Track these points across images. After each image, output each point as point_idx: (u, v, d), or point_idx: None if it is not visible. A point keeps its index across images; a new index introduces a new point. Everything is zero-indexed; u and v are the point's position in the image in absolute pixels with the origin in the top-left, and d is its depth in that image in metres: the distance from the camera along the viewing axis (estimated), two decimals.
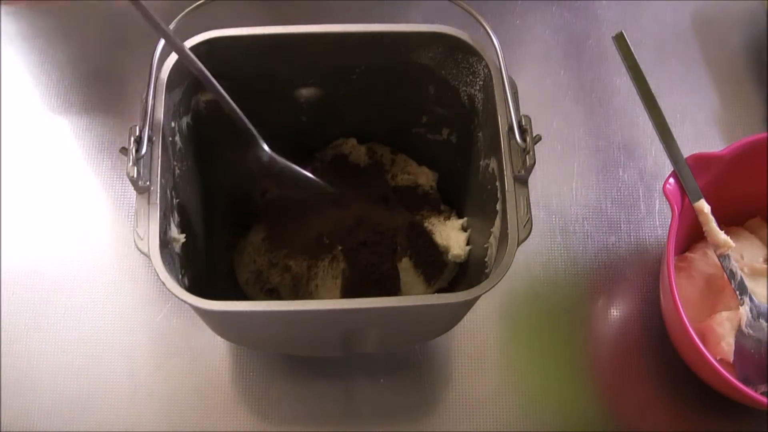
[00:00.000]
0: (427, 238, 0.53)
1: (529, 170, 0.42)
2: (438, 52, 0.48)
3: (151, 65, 0.42)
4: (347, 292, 0.50)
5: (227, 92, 0.50)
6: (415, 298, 0.41)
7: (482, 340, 0.55)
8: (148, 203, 0.41)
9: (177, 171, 0.45)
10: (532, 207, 0.42)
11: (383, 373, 0.54)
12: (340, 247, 0.51)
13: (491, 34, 0.43)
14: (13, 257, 0.56)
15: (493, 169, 0.46)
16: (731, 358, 0.51)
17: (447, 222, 0.54)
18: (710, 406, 0.54)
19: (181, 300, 0.39)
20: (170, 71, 0.44)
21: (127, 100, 0.63)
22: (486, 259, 0.47)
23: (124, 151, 0.40)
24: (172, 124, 0.45)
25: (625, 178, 0.61)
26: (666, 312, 0.53)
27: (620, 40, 0.51)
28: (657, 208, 0.60)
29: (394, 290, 0.51)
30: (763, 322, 0.51)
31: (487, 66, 0.45)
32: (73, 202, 0.59)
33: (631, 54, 0.51)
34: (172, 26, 0.43)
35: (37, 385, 0.53)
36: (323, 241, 0.52)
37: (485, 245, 0.47)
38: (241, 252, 0.54)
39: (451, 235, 0.53)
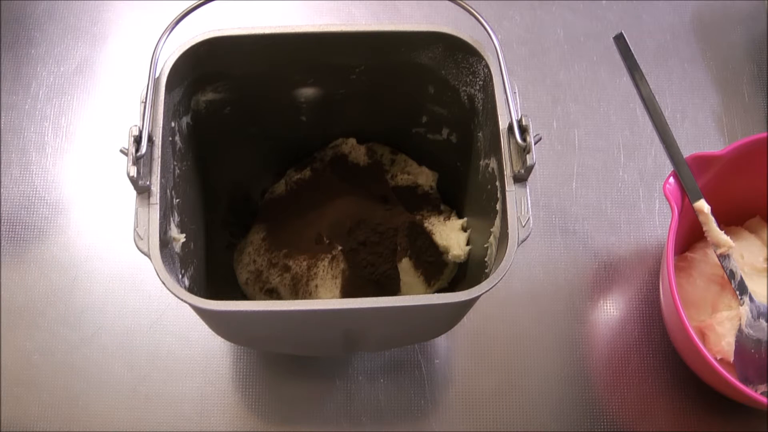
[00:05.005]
0: (427, 238, 0.53)
1: (529, 170, 0.42)
2: (438, 52, 0.48)
3: (151, 65, 0.42)
4: (347, 292, 0.50)
5: (227, 92, 0.50)
6: (415, 298, 0.40)
7: (482, 340, 0.55)
8: (148, 203, 0.41)
9: (177, 171, 0.45)
10: (532, 207, 0.42)
11: (383, 373, 0.54)
12: (339, 247, 0.51)
13: (491, 34, 0.43)
14: (12, 257, 0.56)
15: (493, 169, 0.46)
16: (731, 358, 0.51)
17: (447, 222, 0.54)
18: (710, 406, 0.54)
19: (181, 300, 0.39)
20: (170, 71, 0.44)
21: (126, 98, 0.63)
22: (486, 259, 0.47)
23: (123, 150, 0.40)
24: (172, 124, 0.45)
25: (625, 178, 0.61)
26: (666, 312, 0.53)
27: (620, 40, 0.51)
28: (657, 208, 0.60)
29: (394, 290, 0.51)
30: (763, 322, 0.51)
31: (487, 66, 0.45)
32: (72, 202, 0.59)
33: (631, 54, 0.51)
34: (172, 26, 0.43)
35: (37, 385, 0.53)
36: (323, 241, 0.52)
37: (485, 245, 0.47)
38: (240, 252, 0.54)
39: (451, 235, 0.53)
